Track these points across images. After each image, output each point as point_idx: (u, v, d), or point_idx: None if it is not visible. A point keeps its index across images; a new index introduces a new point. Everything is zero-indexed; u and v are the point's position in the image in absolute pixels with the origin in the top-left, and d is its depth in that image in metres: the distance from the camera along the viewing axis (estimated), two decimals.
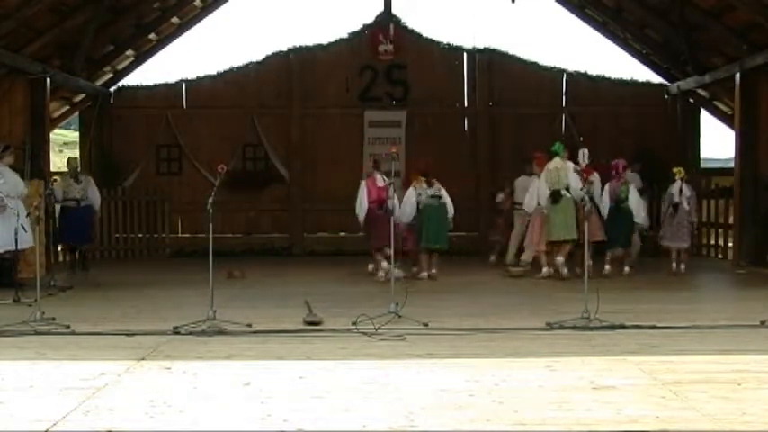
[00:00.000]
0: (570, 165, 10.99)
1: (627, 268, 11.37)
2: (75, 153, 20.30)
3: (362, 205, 10.85)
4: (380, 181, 10.85)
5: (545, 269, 11.00)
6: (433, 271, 11.17)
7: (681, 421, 4.37)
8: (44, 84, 12.26)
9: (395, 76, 15.45)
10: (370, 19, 15.51)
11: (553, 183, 10.91)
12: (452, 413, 4.55)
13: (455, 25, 43.41)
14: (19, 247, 9.22)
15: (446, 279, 11.23)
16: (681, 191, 11.47)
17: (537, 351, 6.23)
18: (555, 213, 10.84)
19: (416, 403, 4.73)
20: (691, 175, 12.79)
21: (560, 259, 10.82)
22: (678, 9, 12.96)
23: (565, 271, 10.76)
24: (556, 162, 10.98)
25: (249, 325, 7.15)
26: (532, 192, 11.23)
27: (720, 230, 14.03)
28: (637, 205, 11.37)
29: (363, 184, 11.10)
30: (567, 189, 10.84)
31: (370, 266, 11.18)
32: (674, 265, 11.59)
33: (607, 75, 15.74)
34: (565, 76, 15.66)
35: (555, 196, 10.84)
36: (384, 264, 10.55)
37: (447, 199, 11.22)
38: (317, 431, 4.29)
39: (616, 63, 42.31)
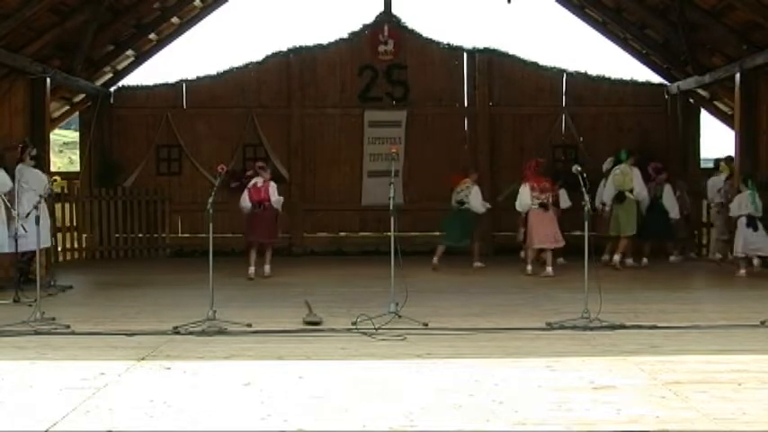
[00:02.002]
0: (636, 170, 12.48)
1: (672, 257, 13.17)
2: (76, 153, 20.34)
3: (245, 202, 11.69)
4: (260, 182, 11.72)
5: (549, 268, 11.42)
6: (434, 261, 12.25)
7: (681, 421, 4.37)
8: (44, 84, 12.25)
9: (395, 76, 15.43)
10: (370, 19, 15.50)
11: (619, 185, 12.40)
12: (452, 413, 4.55)
13: (455, 25, 43.41)
14: (20, 249, 9.22)
15: (446, 279, 11.25)
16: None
17: (537, 351, 6.24)
18: (620, 212, 12.33)
19: (416, 403, 4.73)
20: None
21: (617, 257, 12.20)
22: (678, 9, 12.93)
23: (628, 260, 12.37)
24: (622, 167, 12.48)
25: (249, 325, 7.16)
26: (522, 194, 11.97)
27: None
28: (671, 203, 12.73)
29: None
30: (631, 191, 12.37)
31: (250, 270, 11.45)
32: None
33: (607, 75, 15.70)
34: (565, 76, 15.62)
35: (620, 197, 12.39)
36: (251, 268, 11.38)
37: (473, 201, 12.33)
38: (317, 431, 4.29)
39: (616, 63, 42.27)
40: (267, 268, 11.52)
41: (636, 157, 12.64)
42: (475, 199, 12.35)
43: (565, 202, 12.71)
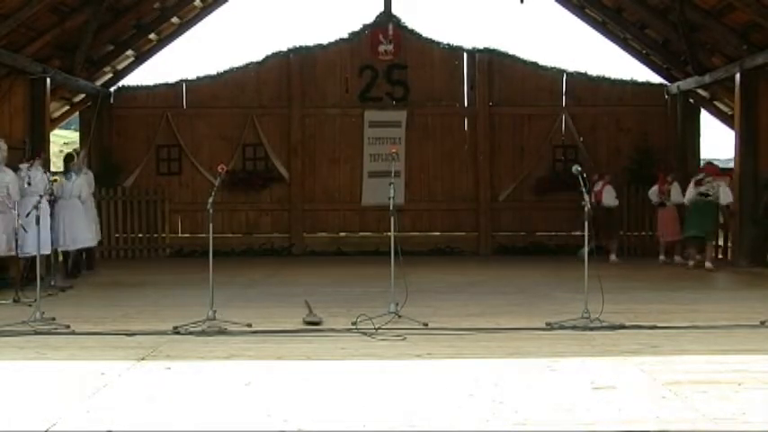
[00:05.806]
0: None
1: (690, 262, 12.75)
2: None
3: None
4: (599, 186, 13.19)
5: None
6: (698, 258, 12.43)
7: (681, 421, 4.37)
8: (44, 84, 12.26)
9: (395, 76, 15.44)
10: (370, 19, 15.51)
11: None
12: (452, 413, 4.55)
13: (455, 25, 43.39)
14: (20, 251, 9.21)
15: (446, 279, 11.25)
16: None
17: (537, 351, 6.23)
18: None
19: (416, 403, 4.73)
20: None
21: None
22: (678, 9, 12.94)
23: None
24: None
25: (249, 325, 7.15)
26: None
27: (720, 230, 14.01)
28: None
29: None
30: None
31: None
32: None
33: (607, 75, 15.74)
34: (565, 76, 15.64)
35: None
36: None
37: (719, 192, 12.33)
38: (317, 431, 4.29)
39: (616, 63, 42.24)
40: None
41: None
42: (721, 190, 12.46)
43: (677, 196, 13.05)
